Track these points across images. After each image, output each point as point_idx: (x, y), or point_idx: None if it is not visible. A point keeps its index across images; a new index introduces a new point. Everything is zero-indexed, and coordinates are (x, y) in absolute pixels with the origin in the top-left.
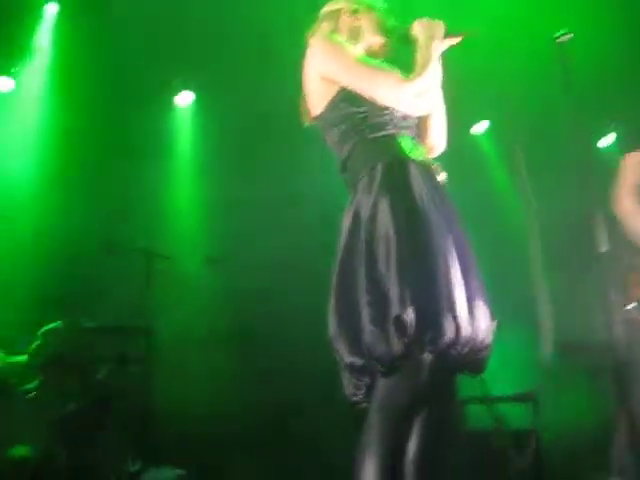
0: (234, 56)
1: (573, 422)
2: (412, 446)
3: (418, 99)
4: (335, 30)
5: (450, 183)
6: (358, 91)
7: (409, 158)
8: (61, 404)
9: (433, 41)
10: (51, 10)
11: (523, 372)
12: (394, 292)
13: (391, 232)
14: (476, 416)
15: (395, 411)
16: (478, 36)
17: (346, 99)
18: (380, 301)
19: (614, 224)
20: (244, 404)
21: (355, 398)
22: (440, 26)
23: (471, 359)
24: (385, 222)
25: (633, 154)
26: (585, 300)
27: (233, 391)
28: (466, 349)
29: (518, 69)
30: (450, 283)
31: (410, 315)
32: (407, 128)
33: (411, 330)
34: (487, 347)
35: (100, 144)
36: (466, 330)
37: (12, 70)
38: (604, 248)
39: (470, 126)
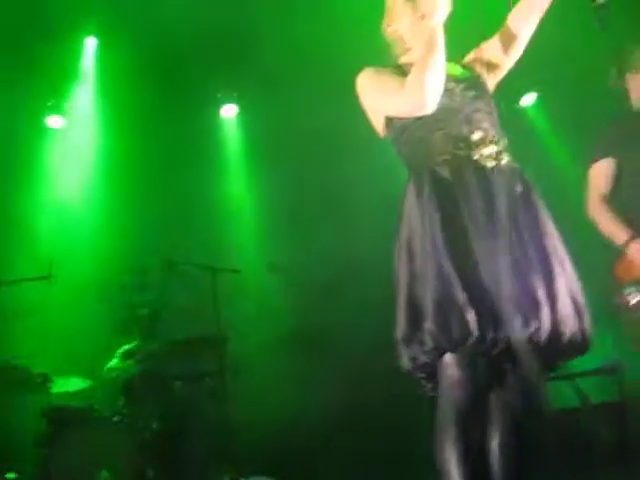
0: (277, 69)
1: None
2: (494, 435)
3: (431, 91)
4: (393, 50)
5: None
6: (385, 113)
7: (436, 163)
8: (145, 424)
9: (432, 17)
10: (91, 42)
11: (604, 344)
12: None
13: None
14: (560, 394)
15: (456, 401)
16: None
17: (388, 122)
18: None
19: None
20: (319, 408)
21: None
22: None
23: (556, 349)
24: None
25: (599, 164)
26: None
27: (308, 396)
28: (542, 340)
29: (561, 38)
30: (479, 281)
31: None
32: (446, 126)
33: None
34: (570, 337)
35: (151, 162)
36: (519, 323)
37: (62, 108)
38: None
39: (518, 99)
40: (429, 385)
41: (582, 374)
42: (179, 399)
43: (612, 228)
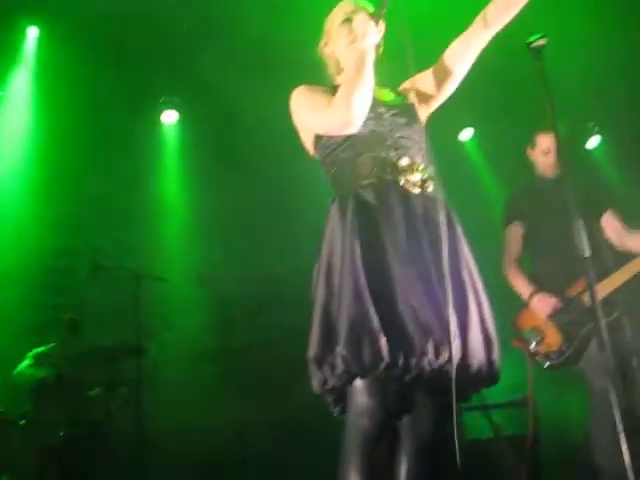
0: (218, 74)
1: (570, 425)
2: (402, 461)
3: (357, 109)
4: (329, 70)
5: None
6: (310, 129)
7: (361, 186)
8: (51, 430)
9: (363, 39)
10: (33, 32)
11: (518, 377)
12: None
13: (337, 261)
14: (473, 425)
15: (364, 428)
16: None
17: (317, 141)
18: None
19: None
20: (235, 423)
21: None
22: (364, 20)
23: (466, 379)
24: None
25: (512, 226)
26: None
27: (224, 411)
28: (445, 368)
29: (497, 74)
30: (401, 307)
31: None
32: (373, 150)
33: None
34: (479, 368)
35: (85, 160)
36: (431, 351)
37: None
38: (587, 253)
39: (458, 133)
40: (337, 408)
41: (496, 406)
42: (92, 406)
43: (520, 285)
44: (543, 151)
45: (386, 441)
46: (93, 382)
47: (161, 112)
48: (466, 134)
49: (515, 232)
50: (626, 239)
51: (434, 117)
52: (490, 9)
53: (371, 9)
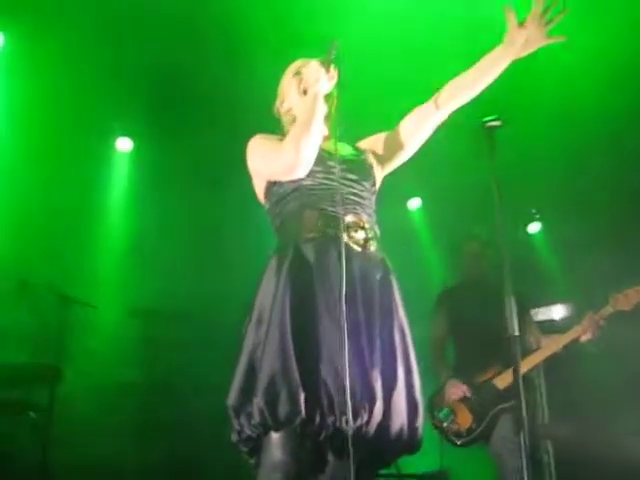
0: (173, 106)
1: None
2: None
3: (305, 153)
4: (284, 127)
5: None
6: (261, 175)
7: (303, 239)
8: None
9: (315, 86)
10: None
11: (435, 449)
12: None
13: (265, 315)
14: None
15: None
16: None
17: (267, 191)
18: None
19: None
20: (149, 460)
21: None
22: (315, 68)
23: (385, 444)
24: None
25: (440, 313)
26: None
27: (137, 448)
28: (364, 432)
29: (449, 148)
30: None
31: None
32: (320, 203)
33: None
34: (400, 434)
35: (33, 176)
36: (349, 412)
37: None
38: (516, 332)
39: (406, 201)
40: (251, 460)
41: (411, 476)
42: None
43: (438, 369)
44: (471, 255)
45: None
46: (3, 406)
47: (115, 138)
48: (414, 203)
49: (441, 319)
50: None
51: (386, 182)
52: (442, 93)
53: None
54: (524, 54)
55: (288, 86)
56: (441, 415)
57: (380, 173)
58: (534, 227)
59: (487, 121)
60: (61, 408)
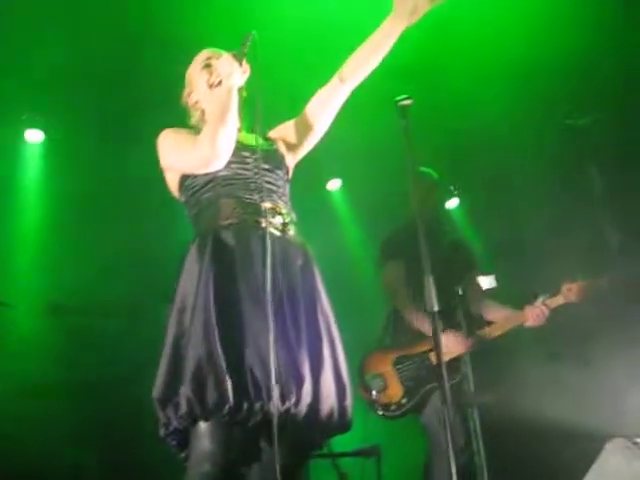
0: (87, 97)
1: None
2: None
3: (222, 146)
4: (192, 121)
5: (307, 238)
6: (174, 169)
7: (219, 226)
8: None
9: (229, 79)
10: None
11: (366, 426)
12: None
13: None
14: (320, 472)
15: (206, 476)
16: (254, 40)
17: (182, 184)
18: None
19: None
20: (72, 468)
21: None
22: (228, 60)
23: (316, 425)
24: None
25: (390, 266)
26: None
27: (61, 450)
28: (290, 415)
29: (365, 128)
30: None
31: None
32: (236, 192)
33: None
34: (330, 414)
35: None
36: (277, 395)
37: None
38: (436, 307)
39: (326, 183)
40: (182, 455)
41: (343, 454)
42: None
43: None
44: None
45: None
46: None
47: (24, 130)
48: (334, 184)
49: (395, 270)
50: (483, 305)
51: (303, 165)
52: (344, 69)
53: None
54: (414, 20)
55: (197, 78)
56: (372, 382)
57: (292, 160)
58: (452, 203)
59: (399, 100)
60: None
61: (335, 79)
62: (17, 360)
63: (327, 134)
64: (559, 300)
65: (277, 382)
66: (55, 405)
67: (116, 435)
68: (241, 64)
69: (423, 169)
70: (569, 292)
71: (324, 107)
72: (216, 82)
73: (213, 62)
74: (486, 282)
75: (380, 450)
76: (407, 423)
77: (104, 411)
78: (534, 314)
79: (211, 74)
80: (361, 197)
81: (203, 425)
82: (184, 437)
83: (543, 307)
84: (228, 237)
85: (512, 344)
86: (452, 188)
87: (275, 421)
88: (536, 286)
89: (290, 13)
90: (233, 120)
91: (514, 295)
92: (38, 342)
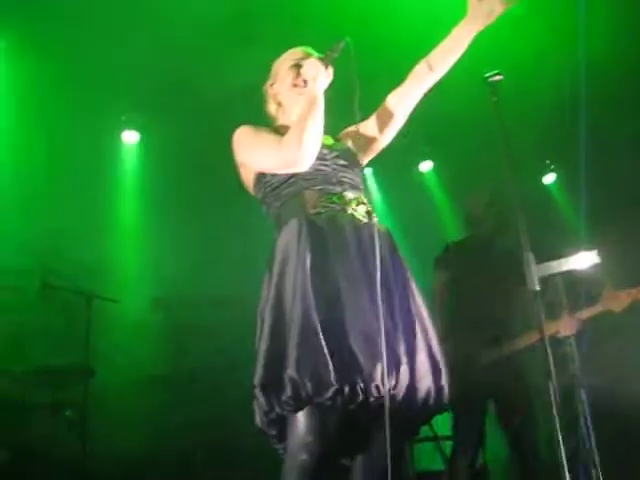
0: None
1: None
2: None
3: (309, 149)
4: (268, 109)
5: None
6: (253, 167)
7: (309, 214)
8: None
9: (315, 82)
10: None
11: None
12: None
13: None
14: (425, 456)
15: (302, 465)
16: (347, 45)
17: (259, 179)
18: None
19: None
20: (182, 454)
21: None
22: (314, 64)
23: (414, 406)
24: (283, 275)
25: (438, 274)
26: None
27: (172, 439)
28: (394, 402)
29: (456, 109)
30: (345, 338)
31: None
32: (319, 185)
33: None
34: (426, 395)
35: (42, 180)
36: (378, 377)
37: None
38: (537, 287)
39: (418, 164)
40: (281, 446)
41: (447, 438)
42: (35, 429)
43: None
44: (475, 215)
45: (328, 478)
46: (38, 404)
47: (122, 131)
48: (426, 166)
49: (441, 274)
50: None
51: (393, 148)
52: (418, 70)
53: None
54: (488, 23)
55: (284, 73)
56: None
57: (366, 158)
58: (549, 178)
59: (489, 76)
60: (95, 404)
61: (407, 81)
62: (124, 354)
63: (417, 115)
64: (597, 309)
65: (378, 364)
66: (161, 397)
67: (221, 425)
68: (327, 68)
69: (479, 191)
70: (610, 301)
71: (406, 100)
72: (301, 84)
73: (302, 63)
74: (588, 259)
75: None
76: None
77: (209, 402)
78: (567, 325)
79: (298, 75)
80: (453, 179)
81: (300, 414)
82: (284, 427)
83: (577, 318)
84: (321, 222)
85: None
86: (547, 163)
87: (387, 402)
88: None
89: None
90: (320, 123)
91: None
92: (143, 336)
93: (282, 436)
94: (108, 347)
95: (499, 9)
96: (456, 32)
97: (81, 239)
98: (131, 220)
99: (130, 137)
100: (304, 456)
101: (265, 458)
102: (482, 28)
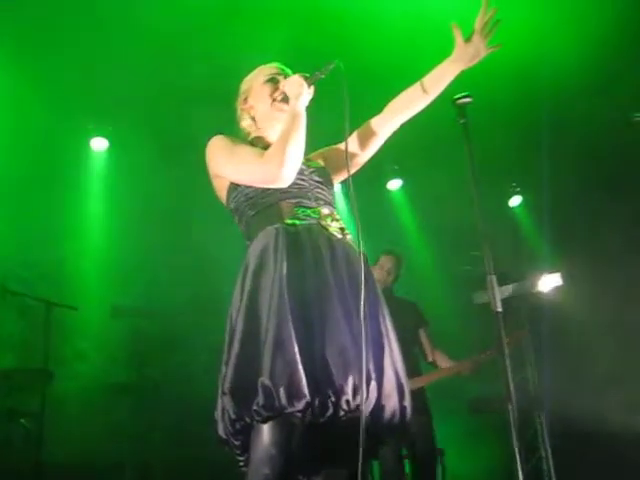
0: (149, 106)
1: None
2: None
3: (291, 165)
4: (242, 124)
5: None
6: (230, 179)
7: (285, 223)
8: None
9: (298, 100)
10: None
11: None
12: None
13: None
14: None
15: (261, 476)
16: (338, 67)
17: (233, 189)
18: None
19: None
20: (141, 465)
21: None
22: (298, 81)
23: (378, 424)
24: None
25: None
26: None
27: (131, 448)
28: (356, 414)
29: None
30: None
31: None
32: (295, 198)
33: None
34: (392, 414)
35: (8, 182)
36: (349, 391)
37: None
38: (499, 308)
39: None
40: (242, 458)
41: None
42: None
43: None
44: (386, 271)
45: None
46: None
47: (90, 138)
48: (395, 184)
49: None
50: (432, 353)
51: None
52: (395, 102)
53: (291, 74)
54: (472, 65)
55: (259, 88)
56: None
57: (339, 177)
58: (515, 200)
59: (458, 98)
60: (53, 412)
61: (382, 115)
62: (84, 361)
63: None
64: (493, 353)
65: (349, 378)
66: (121, 404)
67: (181, 435)
68: (309, 87)
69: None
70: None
71: (370, 138)
72: (279, 98)
73: (279, 78)
74: (551, 281)
75: (443, 453)
76: (469, 426)
77: (169, 411)
78: (469, 367)
79: (276, 89)
80: (421, 198)
81: (266, 425)
82: (247, 438)
83: (478, 361)
84: (297, 232)
85: None
86: (514, 185)
87: (363, 413)
88: None
89: None
90: (302, 140)
91: None
92: (104, 343)
93: (245, 447)
94: (67, 354)
95: (483, 52)
96: (439, 70)
97: (43, 244)
98: (94, 226)
99: (99, 144)
100: (267, 470)
101: (227, 470)
102: (464, 68)
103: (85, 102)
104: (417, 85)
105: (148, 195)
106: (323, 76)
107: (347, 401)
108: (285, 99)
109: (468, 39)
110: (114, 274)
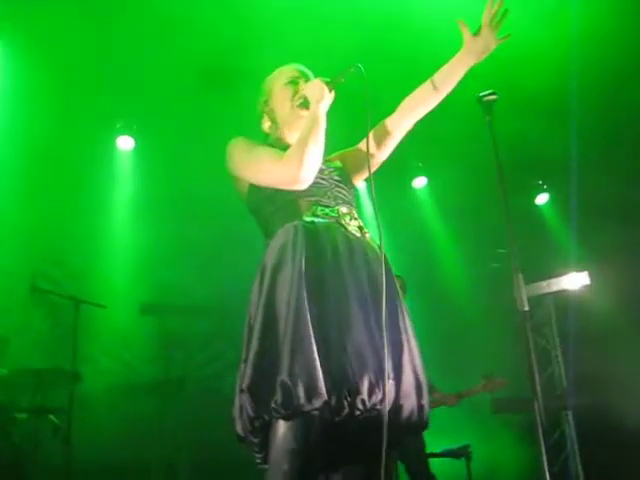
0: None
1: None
2: None
3: (310, 167)
4: (262, 123)
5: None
6: (249, 181)
7: (303, 221)
8: None
9: (319, 104)
10: None
11: (457, 428)
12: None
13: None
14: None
15: (282, 474)
16: (358, 71)
17: (253, 190)
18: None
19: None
20: (168, 459)
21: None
22: (320, 86)
23: (397, 422)
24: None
25: None
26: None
27: (159, 445)
28: (375, 412)
29: (451, 126)
30: (326, 347)
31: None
32: (315, 196)
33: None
34: (410, 412)
35: (36, 184)
36: (365, 390)
37: None
38: (526, 307)
39: (412, 180)
40: (260, 455)
41: (432, 455)
42: (19, 433)
43: None
44: None
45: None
46: (23, 407)
47: (116, 137)
48: (420, 182)
49: None
50: None
51: (388, 164)
52: (408, 100)
53: (312, 77)
54: (482, 58)
55: (279, 90)
56: None
57: (359, 177)
58: (542, 198)
59: (483, 95)
60: (80, 409)
61: (397, 113)
62: (112, 358)
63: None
64: (478, 390)
65: (365, 377)
66: (148, 401)
67: (204, 433)
68: (330, 91)
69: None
70: (486, 387)
71: (386, 138)
72: (299, 102)
73: (300, 81)
74: (579, 280)
75: (470, 450)
76: (495, 423)
77: (196, 407)
78: (454, 400)
79: (296, 92)
80: (448, 196)
81: (284, 424)
82: (266, 435)
83: (462, 396)
84: (315, 230)
85: None
86: (540, 183)
87: (385, 412)
88: None
89: None
90: (322, 143)
91: None
92: (131, 340)
93: (263, 445)
94: (95, 351)
95: (492, 45)
96: (449, 67)
97: (72, 243)
98: (123, 225)
99: (125, 143)
100: (286, 466)
101: (250, 466)
102: (475, 63)
103: (111, 101)
104: (428, 83)
105: (175, 193)
106: (343, 80)
107: (362, 400)
108: (304, 104)
109: (476, 33)
110: (142, 272)
